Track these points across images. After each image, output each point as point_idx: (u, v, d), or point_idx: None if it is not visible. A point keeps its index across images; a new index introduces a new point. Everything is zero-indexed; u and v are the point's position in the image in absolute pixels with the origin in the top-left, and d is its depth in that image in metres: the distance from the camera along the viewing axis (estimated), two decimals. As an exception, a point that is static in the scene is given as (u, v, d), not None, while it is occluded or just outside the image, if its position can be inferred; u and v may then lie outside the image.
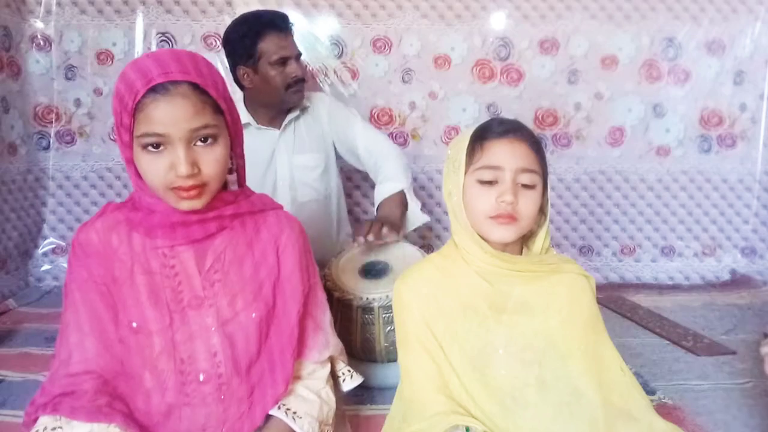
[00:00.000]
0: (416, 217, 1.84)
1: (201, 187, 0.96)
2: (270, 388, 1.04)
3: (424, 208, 2.64)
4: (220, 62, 2.43)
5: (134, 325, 1.01)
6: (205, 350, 1.03)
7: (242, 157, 1.08)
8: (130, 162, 0.97)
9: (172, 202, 0.97)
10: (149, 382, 1.01)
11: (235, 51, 1.92)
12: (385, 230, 1.61)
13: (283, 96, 1.91)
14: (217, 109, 0.97)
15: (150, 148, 0.93)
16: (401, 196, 1.82)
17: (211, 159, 0.96)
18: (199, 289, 1.04)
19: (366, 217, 2.61)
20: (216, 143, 0.97)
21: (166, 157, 0.93)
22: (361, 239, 1.58)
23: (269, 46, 1.87)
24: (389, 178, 1.86)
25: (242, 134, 1.06)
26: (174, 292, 1.03)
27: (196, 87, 0.94)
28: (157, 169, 0.94)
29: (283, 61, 1.88)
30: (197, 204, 0.98)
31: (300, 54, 1.96)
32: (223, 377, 1.03)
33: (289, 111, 2.00)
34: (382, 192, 1.83)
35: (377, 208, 1.83)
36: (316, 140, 2.04)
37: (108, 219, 1.04)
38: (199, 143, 0.95)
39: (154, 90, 0.91)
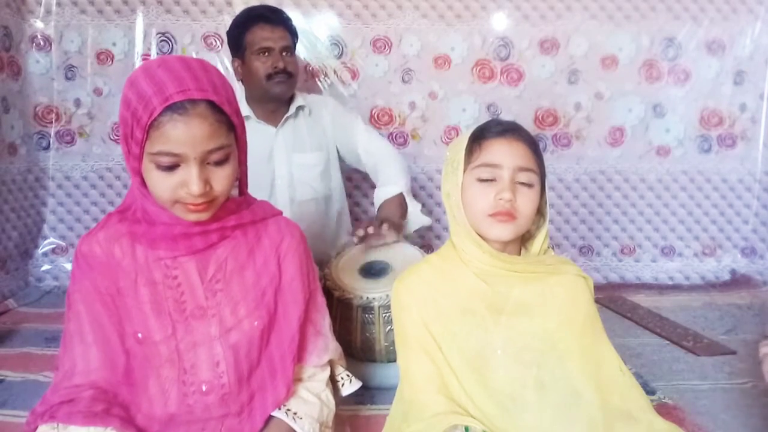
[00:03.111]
0: (417, 218, 1.85)
1: (210, 202, 0.97)
2: (270, 394, 1.05)
3: (424, 208, 2.66)
4: (220, 62, 2.44)
5: (139, 335, 1.01)
6: (208, 360, 1.03)
7: (245, 164, 1.08)
8: (137, 172, 0.96)
9: (179, 213, 0.98)
10: (152, 391, 1.02)
11: (229, 43, 2.01)
12: (384, 227, 1.62)
13: (264, 86, 1.93)
14: (230, 126, 0.97)
15: (163, 167, 0.92)
16: (400, 198, 1.83)
17: (222, 176, 0.97)
18: (201, 299, 1.04)
19: (366, 218, 2.61)
20: (228, 162, 0.97)
21: (178, 175, 0.93)
22: (361, 231, 1.60)
23: (254, 37, 1.92)
24: (388, 182, 1.88)
25: (246, 144, 1.06)
26: (177, 302, 1.03)
27: (212, 105, 0.93)
28: (167, 185, 0.93)
29: (266, 52, 1.91)
30: (204, 216, 0.98)
31: (288, 47, 1.96)
32: (226, 387, 1.03)
33: (287, 104, 2.00)
34: (381, 195, 1.86)
35: (378, 210, 1.84)
36: (317, 140, 2.04)
37: (110, 231, 1.04)
38: (211, 163, 0.95)
39: (171, 108, 0.89)
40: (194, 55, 2.42)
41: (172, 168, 0.92)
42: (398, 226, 1.71)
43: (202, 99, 0.91)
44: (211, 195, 0.96)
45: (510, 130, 1.07)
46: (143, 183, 0.97)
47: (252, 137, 1.10)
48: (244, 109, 1.96)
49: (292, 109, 2.00)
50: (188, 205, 0.95)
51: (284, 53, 1.94)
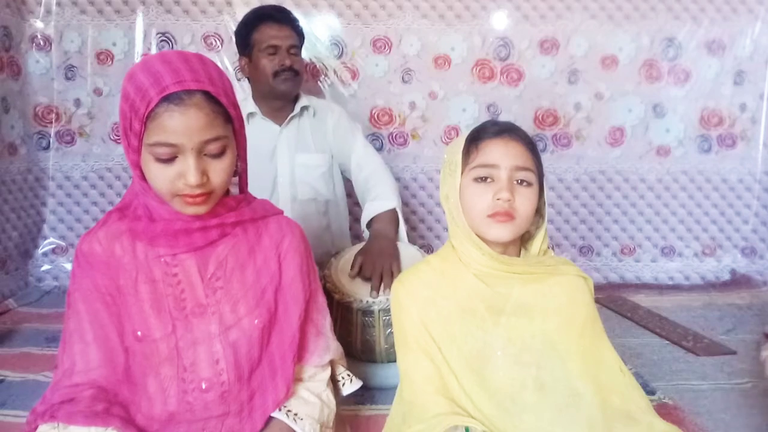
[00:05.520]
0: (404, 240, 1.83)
1: (208, 194, 0.98)
2: (271, 393, 1.05)
3: (424, 207, 2.66)
4: (220, 62, 2.44)
5: (139, 333, 1.01)
6: (207, 357, 1.03)
7: (245, 161, 1.08)
8: (136, 165, 0.98)
9: (177, 207, 0.98)
10: (152, 389, 1.02)
11: (236, 42, 2.05)
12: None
13: (272, 83, 1.94)
14: (228, 118, 0.98)
15: (161, 158, 0.93)
16: (394, 213, 1.82)
17: (220, 168, 0.97)
18: (201, 297, 1.04)
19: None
20: (225, 154, 0.98)
21: (175, 167, 0.94)
22: (375, 294, 1.54)
23: (261, 35, 1.95)
24: (381, 197, 1.86)
25: (245, 139, 1.06)
26: (177, 300, 1.03)
27: (208, 96, 0.94)
28: (165, 177, 0.94)
29: (273, 50, 1.94)
30: (202, 209, 0.99)
31: (295, 46, 1.98)
32: (225, 384, 1.03)
33: (292, 103, 2.01)
34: (374, 209, 1.83)
35: (371, 223, 1.81)
36: (320, 142, 2.05)
37: (111, 229, 1.04)
38: (209, 154, 0.96)
39: (167, 99, 0.91)
40: (194, 55, 2.42)
41: (169, 160, 0.94)
42: (397, 266, 1.62)
43: (198, 90, 0.93)
44: (209, 187, 0.97)
45: (506, 130, 1.07)
46: (143, 177, 0.98)
47: (257, 134, 1.10)
48: (250, 106, 1.99)
49: (297, 108, 2.02)
50: (186, 197, 0.96)
51: (291, 51, 1.96)
